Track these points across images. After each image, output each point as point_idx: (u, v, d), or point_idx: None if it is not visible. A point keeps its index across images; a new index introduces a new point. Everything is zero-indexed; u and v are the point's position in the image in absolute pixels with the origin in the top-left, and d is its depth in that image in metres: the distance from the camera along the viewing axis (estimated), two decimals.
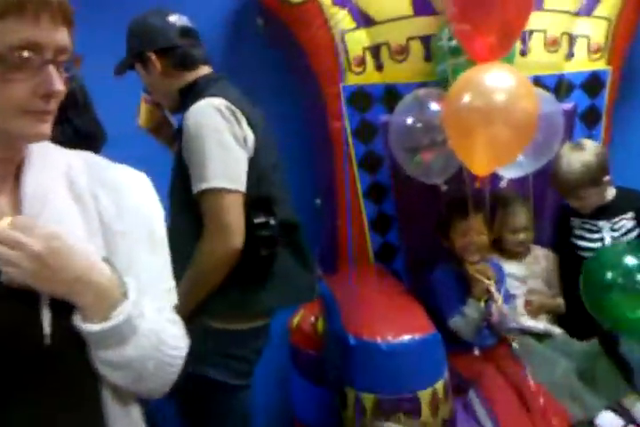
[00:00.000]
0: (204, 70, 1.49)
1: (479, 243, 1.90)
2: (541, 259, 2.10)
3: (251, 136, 1.41)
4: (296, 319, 2.00)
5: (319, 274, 2.12)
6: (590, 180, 1.92)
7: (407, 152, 1.88)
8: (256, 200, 1.40)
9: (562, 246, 2.11)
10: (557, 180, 1.96)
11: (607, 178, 1.96)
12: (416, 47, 1.99)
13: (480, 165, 1.68)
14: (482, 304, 1.82)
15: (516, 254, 2.07)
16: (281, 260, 1.45)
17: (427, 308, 1.84)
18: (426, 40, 1.99)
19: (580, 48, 2.14)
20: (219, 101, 1.37)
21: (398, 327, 1.51)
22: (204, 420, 1.48)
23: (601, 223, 2.00)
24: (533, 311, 2.01)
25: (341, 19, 1.93)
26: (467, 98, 1.62)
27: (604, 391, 1.71)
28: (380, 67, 1.99)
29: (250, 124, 1.41)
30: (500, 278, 1.95)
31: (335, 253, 2.10)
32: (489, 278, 1.84)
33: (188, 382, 1.40)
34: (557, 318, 2.05)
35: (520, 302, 2.01)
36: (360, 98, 1.98)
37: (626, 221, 1.99)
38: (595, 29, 2.14)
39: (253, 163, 1.40)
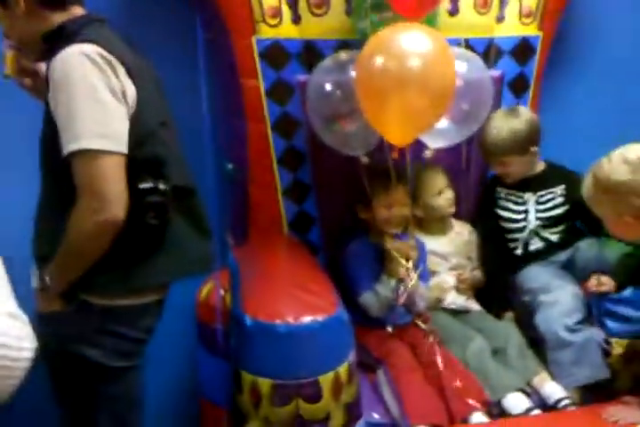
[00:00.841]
0: (77, 11, 1.28)
1: (401, 215, 1.82)
2: (463, 234, 2.05)
3: (131, 89, 1.22)
4: (204, 292, 1.88)
5: (230, 243, 2.01)
6: (516, 148, 1.89)
7: (325, 120, 1.74)
8: (142, 163, 1.23)
9: (484, 216, 2.07)
10: (483, 144, 1.92)
11: (535, 148, 1.92)
12: (337, 1, 1.84)
13: (395, 134, 1.57)
14: (394, 283, 1.74)
15: (437, 230, 2.01)
16: (174, 228, 1.29)
17: (341, 282, 1.78)
18: None
19: (512, 11, 2.05)
20: (91, 48, 1.17)
21: (300, 307, 1.40)
22: (86, 406, 1.34)
23: (527, 195, 1.97)
24: (457, 287, 1.97)
25: None
26: (379, 61, 1.49)
27: (515, 371, 1.69)
28: (297, 20, 1.83)
29: (130, 75, 1.21)
30: (422, 256, 1.88)
31: (246, 222, 1.97)
32: (407, 259, 1.75)
33: (66, 364, 1.29)
34: (475, 293, 2.01)
35: (443, 279, 1.95)
36: (275, 53, 1.81)
37: (552, 196, 1.96)
38: None
39: (136, 120, 1.22)
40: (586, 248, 1.93)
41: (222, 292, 1.85)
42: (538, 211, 1.96)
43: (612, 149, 1.98)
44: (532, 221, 1.95)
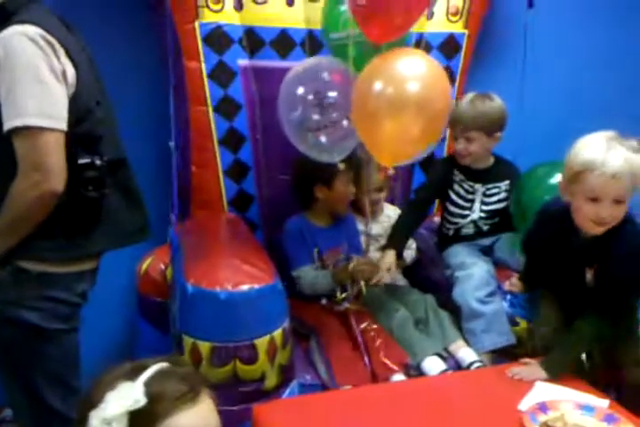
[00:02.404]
0: None
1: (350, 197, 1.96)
2: (392, 217, 2.18)
3: (71, 70, 1.29)
4: (144, 266, 1.95)
5: (172, 220, 2.07)
6: (486, 126, 1.94)
7: (299, 130, 1.75)
8: (80, 139, 1.31)
9: (431, 186, 2.13)
10: (455, 117, 1.93)
11: (498, 134, 1.99)
12: None
13: (387, 158, 1.61)
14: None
15: (370, 213, 2.11)
16: (109, 201, 1.39)
17: (279, 258, 1.88)
18: None
19: (440, 9, 2.18)
20: (33, 29, 1.22)
21: (239, 276, 1.50)
22: (26, 367, 1.40)
23: (477, 186, 2.05)
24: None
25: None
26: (377, 86, 1.50)
27: (434, 338, 1.83)
28: (239, 6, 1.90)
29: (70, 56, 1.28)
30: (356, 235, 2.03)
31: (188, 200, 2.04)
32: (367, 280, 1.87)
33: (5, 327, 1.35)
34: (403, 270, 2.16)
35: (374, 257, 2.06)
36: (218, 38, 1.89)
37: (498, 190, 2.05)
38: None
39: (75, 99, 1.29)
40: (504, 242, 2.06)
41: (163, 266, 1.93)
42: (483, 203, 2.06)
43: (536, 140, 2.14)
44: (476, 212, 2.06)
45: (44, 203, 1.27)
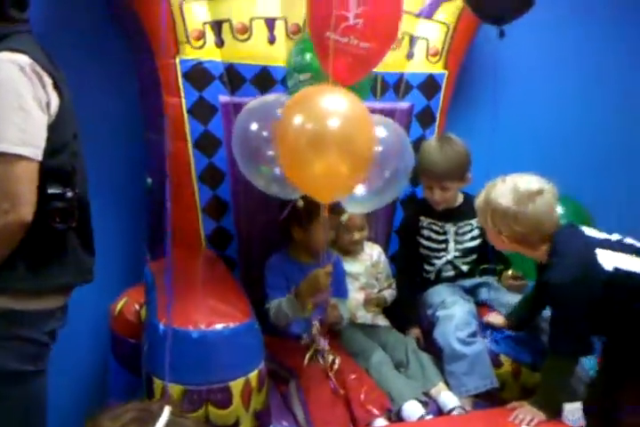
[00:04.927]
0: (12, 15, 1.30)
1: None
2: (373, 255, 2.16)
3: (55, 101, 1.28)
4: (119, 306, 1.89)
5: (147, 258, 2.02)
6: (459, 173, 1.97)
7: (252, 163, 1.70)
8: (53, 170, 1.28)
9: (405, 244, 2.15)
10: (427, 169, 1.96)
11: (469, 175, 2.02)
12: (260, 28, 1.93)
13: (322, 196, 1.54)
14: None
15: (350, 252, 2.11)
16: (70, 237, 1.35)
17: (257, 298, 1.82)
18: (270, 22, 1.94)
19: (420, 50, 2.21)
20: (22, 59, 1.22)
21: (213, 314, 1.44)
22: None
23: (447, 226, 2.06)
24: (365, 305, 2.07)
25: None
26: (297, 122, 1.43)
27: (415, 382, 1.79)
28: (220, 43, 1.91)
29: (56, 87, 1.27)
30: (341, 274, 1.99)
31: (165, 237, 1.99)
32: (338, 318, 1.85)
33: None
34: (384, 310, 2.12)
35: (353, 297, 2.04)
36: (198, 74, 1.88)
37: (470, 227, 2.06)
38: (434, 33, 2.21)
39: (53, 131, 1.27)
40: (487, 287, 2.06)
41: (137, 306, 1.87)
42: (457, 242, 2.06)
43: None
44: (452, 252, 2.06)
45: (12, 232, 1.23)
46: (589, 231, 1.64)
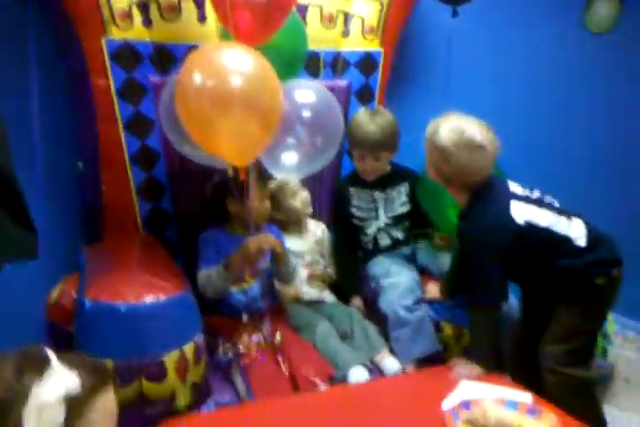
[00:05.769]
0: None
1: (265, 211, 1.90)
2: (317, 232, 2.16)
3: None
4: (54, 294, 1.83)
5: (80, 243, 1.97)
6: (391, 143, 1.99)
7: (181, 137, 1.66)
8: None
9: (338, 217, 2.17)
10: (361, 139, 1.96)
11: (398, 144, 2.03)
12: (189, 7, 1.91)
13: (232, 157, 1.50)
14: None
15: (294, 231, 2.11)
16: None
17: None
18: (199, 1, 1.92)
19: (356, 28, 2.21)
20: None
21: (142, 288, 1.41)
22: None
23: (376, 194, 2.08)
24: (311, 281, 2.07)
25: None
26: (198, 81, 1.37)
27: (360, 350, 1.78)
28: (148, 23, 1.87)
29: None
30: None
31: (100, 222, 1.95)
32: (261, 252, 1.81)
33: None
34: (331, 286, 2.12)
35: (299, 273, 2.03)
36: (126, 54, 1.84)
37: (398, 194, 2.08)
38: (368, 11, 2.22)
39: None
40: (424, 251, 2.09)
41: (74, 294, 1.82)
42: (387, 209, 2.08)
43: None
44: (382, 218, 2.08)
45: None
46: (513, 187, 1.65)
